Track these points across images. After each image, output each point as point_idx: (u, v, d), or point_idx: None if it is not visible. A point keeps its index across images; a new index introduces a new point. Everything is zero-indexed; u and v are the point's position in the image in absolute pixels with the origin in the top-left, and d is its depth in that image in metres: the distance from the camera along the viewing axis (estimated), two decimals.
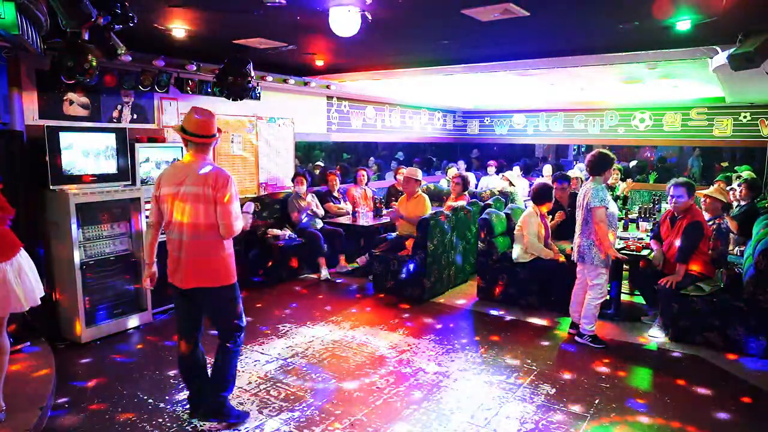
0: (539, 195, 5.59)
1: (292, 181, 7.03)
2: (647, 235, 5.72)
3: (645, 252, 5.15)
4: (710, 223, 4.97)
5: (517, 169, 10.23)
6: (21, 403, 3.35)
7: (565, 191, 6.25)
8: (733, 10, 3.64)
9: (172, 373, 4.08)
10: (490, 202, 7.08)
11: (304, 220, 6.86)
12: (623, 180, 8.56)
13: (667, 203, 5.17)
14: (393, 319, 5.30)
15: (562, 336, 4.92)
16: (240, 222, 3.16)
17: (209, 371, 3.40)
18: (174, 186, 3.12)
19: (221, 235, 3.11)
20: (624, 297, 5.71)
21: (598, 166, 4.52)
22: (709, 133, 9.35)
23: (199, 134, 3.14)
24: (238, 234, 3.17)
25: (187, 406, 3.50)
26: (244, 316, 3.33)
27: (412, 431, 3.30)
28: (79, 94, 4.97)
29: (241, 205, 6.64)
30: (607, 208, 4.42)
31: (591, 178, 4.59)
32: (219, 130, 3.27)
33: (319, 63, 6.19)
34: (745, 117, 9.01)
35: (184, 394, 3.70)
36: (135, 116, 5.49)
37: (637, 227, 6.31)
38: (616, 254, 4.59)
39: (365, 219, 7.22)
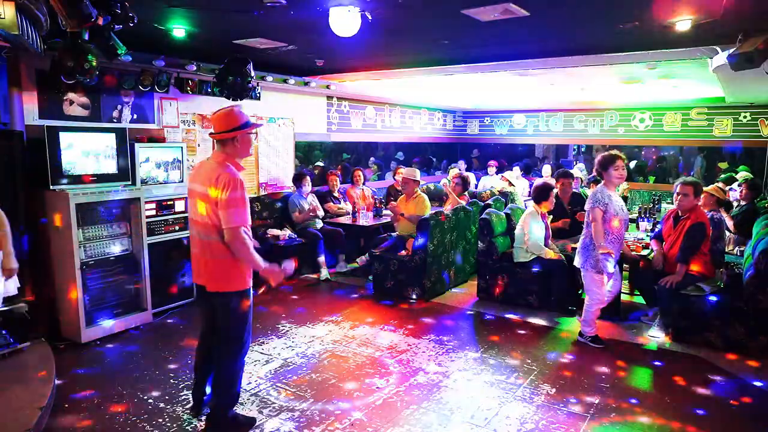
0: (539, 194, 5.60)
1: (295, 181, 7.01)
2: (647, 235, 5.72)
3: (645, 252, 5.16)
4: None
5: (517, 170, 10.24)
6: (21, 403, 3.35)
7: (569, 188, 6.28)
8: (733, 10, 3.64)
9: (172, 373, 4.08)
10: (490, 202, 7.08)
11: (308, 220, 6.87)
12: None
13: (667, 203, 5.18)
14: (393, 319, 5.30)
15: (562, 336, 4.92)
16: (244, 234, 2.96)
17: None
18: (192, 182, 3.19)
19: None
20: (624, 297, 5.71)
21: (600, 167, 4.49)
22: (709, 133, 9.35)
23: (214, 131, 3.12)
24: (240, 248, 2.95)
25: (188, 405, 3.51)
26: (244, 330, 3.16)
27: (412, 431, 3.30)
28: (79, 94, 4.97)
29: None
30: (606, 210, 4.37)
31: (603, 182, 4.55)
32: (241, 127, 3.04)
33: (319, 63, 6.19)
34: (745, 117, 9.01)
35: (184, 394, 3.71)
36: (135, 116, 5.49)
37: (637, 227, 6.31)
38: (607, 250, 4.35)
39: (365, 219, 7.22)
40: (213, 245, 3.03)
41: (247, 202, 3.03)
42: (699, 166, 11.33)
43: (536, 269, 5.50)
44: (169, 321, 5.23)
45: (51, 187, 4.50)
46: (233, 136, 3.06)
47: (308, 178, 7.03)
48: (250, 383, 3.91)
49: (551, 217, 5.93)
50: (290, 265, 3.12)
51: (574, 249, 5.54)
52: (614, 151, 4.49)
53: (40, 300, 4.59)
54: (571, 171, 7.06)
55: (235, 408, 3.31)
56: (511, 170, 9.93)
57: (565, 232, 6.13)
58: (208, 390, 3.42)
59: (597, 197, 4.41)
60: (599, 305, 4.60)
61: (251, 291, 3.18)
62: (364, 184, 8.09)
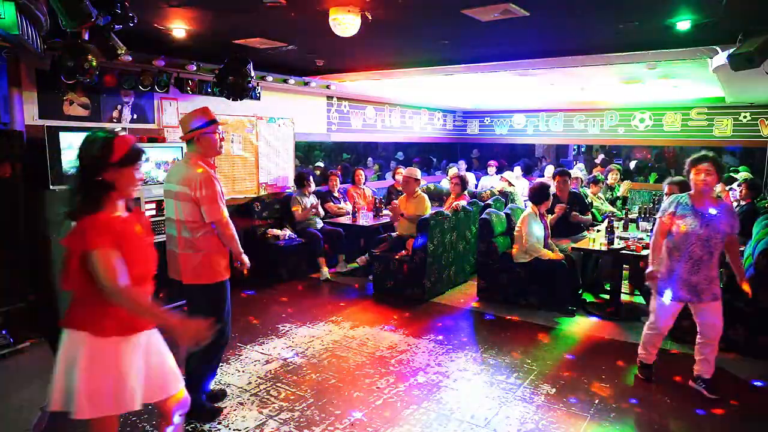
0: (537, 194, 5.62)
1: (297, 182, 7.00)
2: (647, 235, 5.72)
3: (645, 252, 5.15)
4: None
5: (518, 170, 10.24)
6: (21, 403, 3.34)
7: (566, 185, 6.27)
8: (733, 10, 3.64)
9: None
10: (490, 202, 7.08)
11: (309, 217, 6.87)
12: (623, 179, 8.58)
13: None
14: (393, 319, 5.30)
15: (562, 336, 4.92)
16: (229, 225, 3.25)
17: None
18: (167, 182, 3.35)
19: (206, 233, 3.21)
20: (624, 297, 5.72)
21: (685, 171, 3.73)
22: (709, 133, 9.34)
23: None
24: (229, 237, 3.26)
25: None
26: (221, 319, 3.24)
27: (412, 431, 3.30)
28: (79, 94, 4.97)
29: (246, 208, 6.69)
30: (671, 222, 3.64)
31: None
32: (201, 127, 3.20)
33: (319, 63, 6.19)
34: (745, 117, 9.00)
35: None
36: (135, 116, 5.49)
37: (637, 227, 6.31)
38: (652, 273, 3.69)
39: (365, 219, 7.22)
40: (188, 241, 3.19)
41: (222, 197, 3.22)
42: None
43: (536, 269, 5.50)
44: None
45: (51, 187, 4.50)
46: (191, 137, 3.23)
47: (311, 178, 7.04)
48: (250, 383, 3.91)
49: (549, 217, 5.92)
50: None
51: (574, 249, 5.56)
52: (703, 152, 3.61)
53: (40, 300, 4.58)
54: (570, 171, 7.04)
55: (221, 403, 3.51)
56: (512, 170, 9.94)
57: (567, 232, 6.12)
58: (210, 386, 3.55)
59: (663, 205, 3.78)
60: (653, 331, 3.87)
61: (227, 282, 3.35)
62: (364, 184, 8.10)
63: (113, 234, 2.08)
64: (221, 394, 3.66)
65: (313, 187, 7.02)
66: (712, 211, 3.52)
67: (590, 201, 7.20)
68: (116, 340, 2.13)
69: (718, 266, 3.61)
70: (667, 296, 3.67)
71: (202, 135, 3.21)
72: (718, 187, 6.14)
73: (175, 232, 3.23)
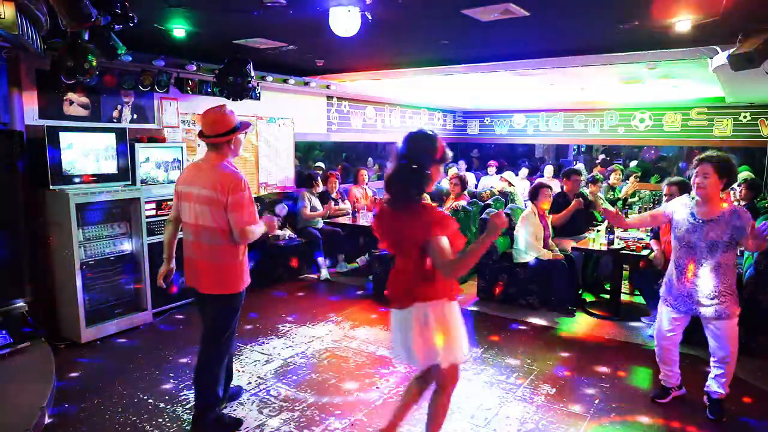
0: (533, 192, 5.69)
1: (309, 183, 7.01)
2: (647, 235, 5.72)
3: (645, 252, 5.16)
4: None
5: (525, 171, 10.25)
6: (21, 403, 3.35)
7: (577, 183, 6.24)
8: (733, 10, 3.64)
9: (172, 373, 4.08)
10: (490, 202, 7.08)
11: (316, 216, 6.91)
12: (626, 179, 8.57)
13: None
14: None
15: (562, 336, 4.92)
16: (255, 228, 3.04)
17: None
18: (187, 186, 3.10)
19: (234, 241, 3.02)
20: (624, 297, 5.72)
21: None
22: (709, 133, 9.34)
23: (207, 134, 3.04)
24: (253, 239, 3.08)
25: (189, 405, 3.51)
26: (230, 331, 3.22)
27: (412, 431, 3.30)
28: (79, 94, 4.97)
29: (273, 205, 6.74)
30: (670, 224, 3.50)
31: None
32: (235, 129, 3.04)
33: (319, 63, 6.19)
34: (745, 117, 9.00)
35: (184, 394, 3.71)
36: (135, 116, 5.49)
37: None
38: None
39: (365, 219, 7.22)
40: (215, 248, 3.01)
41: (252, 200, 3.07)
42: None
43: (536, 269, 5.50)
44: (169, 321, 5.23)
45: (51, 187, 4.50)
46: (229, 139, 3.03)
47: (318, 178, 7.07)
48: (250, 383, 3.91)
49: (550, 217, 5.92)
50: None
51: (574, 248, 5.56)
52: (706, 153, 3.29)
53: (40, 300, 4.59)
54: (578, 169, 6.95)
55: (223, 409, 3.33)
56: (518, 170, 9.98)
57: (568, 231, 6.11)
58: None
59: (671, 202, 3.58)
60: (657, 345, 3.63)
61: (243, 293, 3.23)
62: (366, 184, 8.11)
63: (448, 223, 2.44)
64: (237, 423, 3.37)
65: (321, 187, 7.06)
66: (704, 217, 3.24)
67: (591, 201, 7.19)
68: (455, 303, 2.59)
69: (720, 279, 3.23)
70: (663, 312, 3.54)
71: (236, 138, 3.07)
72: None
73: (193, 237, 3.07)
